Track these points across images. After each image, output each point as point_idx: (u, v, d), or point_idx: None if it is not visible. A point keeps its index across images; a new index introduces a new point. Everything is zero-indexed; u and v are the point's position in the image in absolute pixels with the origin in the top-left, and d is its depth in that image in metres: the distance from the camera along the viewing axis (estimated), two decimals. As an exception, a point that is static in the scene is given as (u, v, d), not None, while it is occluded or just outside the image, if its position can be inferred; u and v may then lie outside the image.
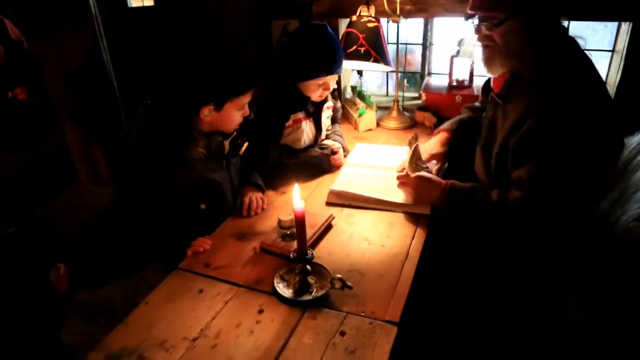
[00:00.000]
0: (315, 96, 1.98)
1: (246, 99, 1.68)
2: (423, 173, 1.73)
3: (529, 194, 1.47)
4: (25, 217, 3.00)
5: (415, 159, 1.77)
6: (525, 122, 1.47)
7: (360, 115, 2.39)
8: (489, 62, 1.58)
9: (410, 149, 1.77)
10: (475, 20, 1.57)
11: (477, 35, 1.60)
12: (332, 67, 1.89)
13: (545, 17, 1.47)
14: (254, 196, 1.80)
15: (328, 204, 1.81)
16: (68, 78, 3.30)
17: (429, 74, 2.79)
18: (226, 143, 1.74)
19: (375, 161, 2.07)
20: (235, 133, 1.75)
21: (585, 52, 1.53)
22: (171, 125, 1.60)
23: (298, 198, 1.25)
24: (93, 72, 3.28)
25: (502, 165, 1.58)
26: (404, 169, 1.77)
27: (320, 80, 1.91)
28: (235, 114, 1.69)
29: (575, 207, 1.51)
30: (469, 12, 1.56)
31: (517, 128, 1.50)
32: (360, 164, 2.06)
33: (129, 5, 3.32)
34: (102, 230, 2.36)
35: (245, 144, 1.78)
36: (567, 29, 1.56)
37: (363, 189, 1.81)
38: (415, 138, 1.84)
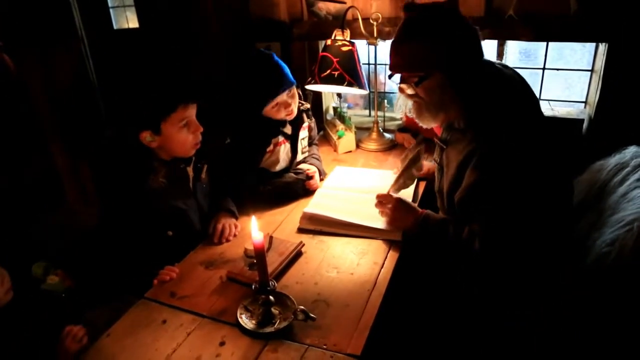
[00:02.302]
0: (282, 116, 1.97)
1: (182, 114, 1.60)
2: (403, 197, 1.73)
3: (485, 246, 1.47)
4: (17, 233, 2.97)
5: (411, 165, 1.77)
6: (463, 175, 1.48)
7: (339, 137, 2.39)
8: (419, 116, 1.59)
9: (410, 155, 1.76)
10: (397, 79, 1.56)
11: (402, 94, 1.60)
12: (274, 89, 1.88)
13: (465, 65, 1.45)
14: (227, 223, 1.78)
15: (300, 230, 1.79)
16: (56, 99, 3.31)
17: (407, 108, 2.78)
18: (189, 170, 1.73)
19: (352, 184, 2.05)
20: (194, 158, 1.74)
21: (517, 77, 1.55)
22: (126, 157, 1.61)
23: (256, 230, 1.24)
24: (80, 93, 3.29)
25: (454, 213, 1.59)
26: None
27: (269, 106, 1.91)
28: (180, 133, 1.62)
29: (536, 246, 1.50)
30: (389, 71, 1.57)
31: (457, 181, 1.51)
32: (336, 187, 2.05)
33: (114, 27, 3.34)
34: (83, 253, 2.35)
35: (205, 167, 1.78)
36: (491, 64, 1.54)
37: (336, 212, 1.79)
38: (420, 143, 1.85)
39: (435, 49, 1.43)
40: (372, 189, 1.95)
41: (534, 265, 1.54)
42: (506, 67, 1.59)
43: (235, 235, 1.78)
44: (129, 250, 1.62)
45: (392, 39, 1.51)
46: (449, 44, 1.43)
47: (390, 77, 1.59)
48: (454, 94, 1.47)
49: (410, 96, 1.56)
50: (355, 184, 2.05)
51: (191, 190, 1.76)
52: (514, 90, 1.52)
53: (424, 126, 1.64)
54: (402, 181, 1.81)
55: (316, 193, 2.00)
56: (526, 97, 1.53)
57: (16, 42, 3.04)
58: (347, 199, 1.91)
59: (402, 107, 1.94)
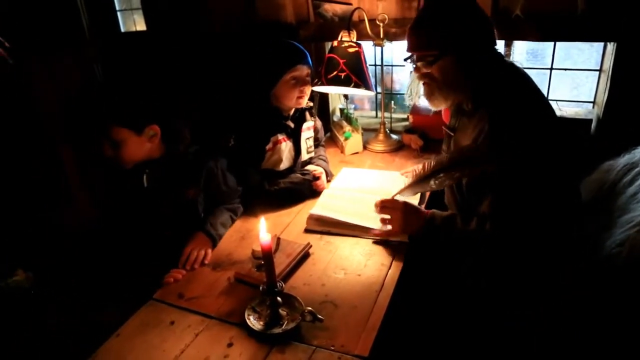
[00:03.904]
0: (294, 99, 1.99)
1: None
2: (410, 201, 1.71)
3: (496, 227, 1.47)
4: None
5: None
6: None
7: (346, 139, 2.39)
8: (430, 97, 1.64)
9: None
10: (412, 63, 1.62)
11: (416, 74, 1.65)
12: (292, 57, 1.95)
13: (478, 49, 1.53)
14: (196, 249, 1.67)
15: (307, 230, 1.79)
16: (64, 102, 3.33)
17: (418, 95, 2.78)
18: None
19: (359, 185, 2.05)
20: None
21: (525, 73, 1.60)
22: None
23: (264, 232, 1.24)
24: (88, 96, 3.31)
25: (465, 200, 1.59)
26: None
27: (288, 76, 1.93)
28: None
29: (547, 231, 1.50)
30: (407, 52, 1.63)
31: None
32: (343, 188, 2.04)
33: (122, 30, 3.36)
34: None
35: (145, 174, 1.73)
36: (502, 56, 1.61)
37: (343, 214, 1.79)
38: None
39: (450, 30, 1.51)
40: (379, 190, 1.95)
41: (538, 262, 1.53)
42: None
43: (204, 264, 1.66)
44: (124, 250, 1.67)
45: (410, 25, 1.60)
46: (463, 27, 1.51)
47: (406, 59, 1.65)
48: (467, 75, 1.54)
49: (423, 76, 1.61)
50: (362, 184, 2.05)
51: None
52: (523, 78, 1.57)
53: (434, 108, 1.69)
54: (419, 188, 1.71)
55: (322, 194, 2.00)
56: (536, 89, 1.57)
57: (24, 45, 3.07)
58: (354, 200, 1.91)
59: (413, 93, 1.92)
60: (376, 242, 1.69)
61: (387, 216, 1.69)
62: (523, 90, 1.55)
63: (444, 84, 1.57)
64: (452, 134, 1.69)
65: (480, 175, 1.50)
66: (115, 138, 1.59)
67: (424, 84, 1.64)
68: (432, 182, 1.62)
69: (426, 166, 1.64)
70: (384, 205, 1.70)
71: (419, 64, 1.60)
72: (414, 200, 1.86)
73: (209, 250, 1.70)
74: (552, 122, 1.55)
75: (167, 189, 1.73)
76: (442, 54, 1.53)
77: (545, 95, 1.65)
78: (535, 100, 1.55)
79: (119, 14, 3.36)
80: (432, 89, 1.61)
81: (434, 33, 1.53)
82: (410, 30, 1.60)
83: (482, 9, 1.55)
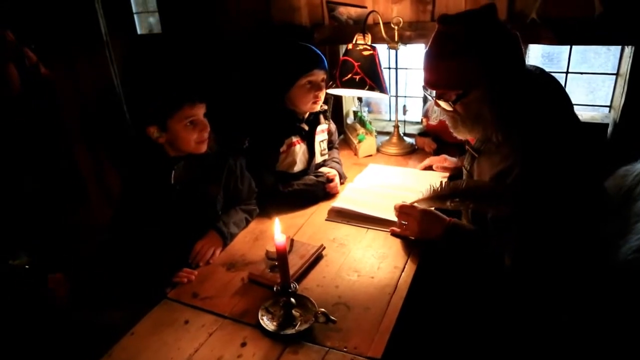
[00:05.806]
0: (309, 103, 1.99)
1: (188, 112, 1.62)
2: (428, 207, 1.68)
3: (517, 263, 1.44)
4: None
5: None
6: None
7: (359, 142, 2.39)
8: (454, 129, 1.56)
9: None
10: (433, 93, 1.52)
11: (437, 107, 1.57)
12: (309, 62, 1.95)
13: (506, 76, 1.40)
14: (205, 246, 1.70)
15: (327, 220, 1.85)
16: (82, 103, 3.38)
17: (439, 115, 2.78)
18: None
19: (385, 181, 2.09)
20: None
21: (553, 79, 1.51)
22: (138, 154, 1.69)
23: (279, 232, 1.25)
24: (105, 97, 3.36)
25: (482, 222, 1.56)
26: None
27: (304, 80, 1.93)
28: (185, 131, 1.63)
29: (565, 262, 1.47)
30: (424, 85, 1.51)
31: None
32: (369, 183, 2.08)
33: (138, 32, 3.40)
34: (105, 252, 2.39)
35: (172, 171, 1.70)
36: (530, 72, 1.49)
37: (364, 206, 1.84)
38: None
39: (474, 66, 1.37)
40: (404, 186, 2.00)
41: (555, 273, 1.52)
42: (542, 71, 1.53)
43: (209, 263, 1.68)
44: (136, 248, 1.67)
45: (427, 52, 1.45)
46: (489, 59, 1.36)
47: (425, 88, 1.53)
48: (493, 107, 1.42)
49: (446, 110, 1.52)
50: (387, 181, 2.09)
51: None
52: (552, 100, 1.48)
53: (459, 137, 1.60)
54: (435, 204, 1.66)
55: (347, 187, 2.05)
56: (563, 105, 1.50)
57: (44, 47, 3.12)
58: (376, 194, 1.95)
59: (437, 117, 1.87)
60: (389, 245, 1.70)
61: (405, 222, 1.69)
62: (552, 116, 1.43)
63: (469, 118, 1.47)
64: (477, 156, 1.59)
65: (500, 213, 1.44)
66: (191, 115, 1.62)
67: (447, 116, 1.55)
68: (448, 203, 1.56)
69: (444, 185, 1.58)
70: (402, 211, 1.69)
71: (439, 101, 1.49)
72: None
73: (217, 251, 1.72)
74: (581, 145, 1.46)
75: (192, 187, 1.74)
76: (467, 92, 1.40)
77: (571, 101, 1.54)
78: (564, 124, 1.46)
79: (135, 16, 3.41)
80: (456, 122, 1.51)
81: (455, 71, 1.39)
82: (428, 65, 1.45)
83: (506, 27, 1.39)
